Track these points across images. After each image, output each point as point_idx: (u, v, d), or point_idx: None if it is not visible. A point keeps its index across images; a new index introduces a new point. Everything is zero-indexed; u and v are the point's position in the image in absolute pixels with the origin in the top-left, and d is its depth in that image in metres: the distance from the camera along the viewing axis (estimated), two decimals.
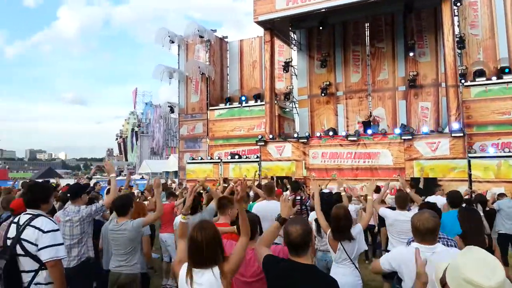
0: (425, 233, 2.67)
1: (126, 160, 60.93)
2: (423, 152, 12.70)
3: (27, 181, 9.79)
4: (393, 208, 5.13)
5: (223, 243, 2.42)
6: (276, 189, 6.20)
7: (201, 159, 17.95)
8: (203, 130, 19.41)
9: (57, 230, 2.85)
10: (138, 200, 6.70)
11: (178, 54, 20.56)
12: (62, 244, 2.85)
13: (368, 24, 17.18)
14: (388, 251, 5.04)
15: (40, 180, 5.25)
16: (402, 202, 4.97)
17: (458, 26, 14.97)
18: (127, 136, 61.64)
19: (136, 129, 56.69)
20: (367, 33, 17.30)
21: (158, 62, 20.07)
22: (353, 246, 3.75)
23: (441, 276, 1.66)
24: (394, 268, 2.77)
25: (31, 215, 2.83)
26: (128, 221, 3.92)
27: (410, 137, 12.90)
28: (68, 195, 4.65)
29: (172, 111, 20.08)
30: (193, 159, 18.15)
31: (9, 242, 2.78)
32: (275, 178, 9.69)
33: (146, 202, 7.57)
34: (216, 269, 2.28)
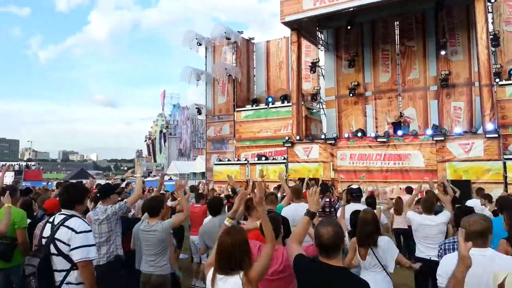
0: (474, 236, 2.57)
1: (155, 161, 62.11)
2: (456, 153, 12.27)
3: (61, 181, 10.11)
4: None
5: (250, 249, 2.38)
6: (304, 191, 6.14)
7: (228, 160, 18.05)
8: (230, 132, 19.54)
9: (90, 231, 2.90)
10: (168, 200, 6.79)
11: (206, 56, 20.81)
12: (93, 245, 2.89)
13: (397, 22, 16.80)
14: (416, 256, 4.89)
15: (74, 181, 5.40)
16: (428, 206, 4.80)
17: (492, 23, 14.44)
18: (155, 138, 62.81)
19: (164, 130, 57.62)
20: (397, 31, 16.92)
21: (185, 65, 20.50)
22: (382, 251, 3.66)
23: (501, 282, 1.61)
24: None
25: (65, 216, 2.90)
26: (158, 222, 3.98)
27: (443, 138, 12.50)
28: (98, 195, 4.78)
29: (199, 112, 20.34)
30: (220, 160, 18.29)
31: (44, 241, 2.85)
32: (306, 180, 9.57)
33: (174, 202, 7.69)
34: (241, 275, 2.25)
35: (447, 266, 2.65)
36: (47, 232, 2.87)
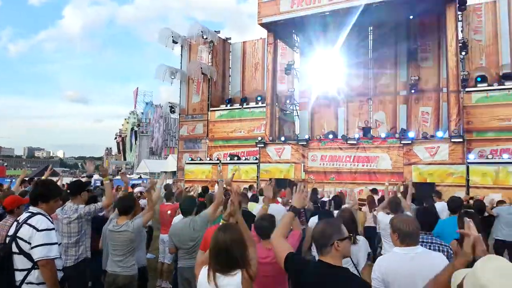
0: (413, 235, 2.76)
1: (125, 159, 60.96)
2: (422, 156, 12.69)
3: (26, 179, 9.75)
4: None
5: (246, 248, 2.36)
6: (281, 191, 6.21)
7: (200, 159, 17.94)
8: (203, 131, 19.41)
9: (52, 229, 2.82)
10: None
11: (181, 55, 20.60)
12: (55, 243, 2.80)
13: (371, 28, 17.21)
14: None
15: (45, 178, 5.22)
16: (394, 206, 4.97)
17: (462, 31, 15.00)
18: (126, 136, 61.65)
19: (135, 128, 56.69)
20: (371, 37, 17.34)
21: (160, 62, 20.13)
22: (356, 249, 3.76)
23: (460, 282, 1.65)
24: (383, 277, 2.78)
25: (30, 213, 2.82)
26: (128, 221, 3.90)
27: (410, 142, 12.90)
28: (68, 191, 4.64)
29: (172, 111, 20.08)
30: (192, 159, 18.14)
31: (8, 239, 2.78)
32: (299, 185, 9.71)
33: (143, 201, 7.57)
34: (240, 273, 2.23)
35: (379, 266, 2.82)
36: (11, 230, 2.81)
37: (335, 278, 2.24)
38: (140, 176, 32.79)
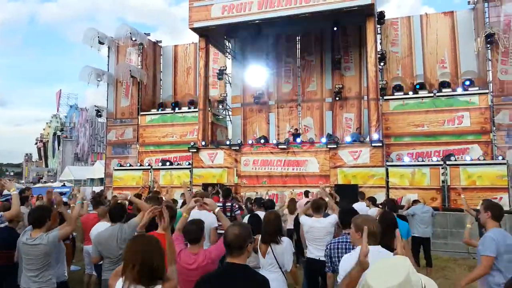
0: (376, 235, 2.89)
1: (46, 166, 56.64)
2: (346, 160, 13.43)
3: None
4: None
5: (165, 259, 2.28)
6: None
7: (130, 165, 17.31)
8: (133, 136, 18.73)
9: None
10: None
11: (108, 56, 19.72)
12: None
13: (299, 37, 17.96)
14: (307, 257, 5.28)
15: None
16: (316, 207, 5.16)
17: (381, 43, 16.17)
18: (48, 141, 57.36)
19: (58, 133, 53.00)
20: (298, 46, 18.06)
21: (87, 64, 19.07)
22: (281, 250, 3.92)
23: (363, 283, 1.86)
24: None
25: None
26: (43, 234, 3.69)
27: (335, 146, 13.59)
28: None
29: (99, 115, 19.11)
30: (121, 165, 17.44)
31: None
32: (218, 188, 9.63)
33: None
34: (161, 285, 2.16)
35: (345, 266, 2.91)
36: None
37: (242, 276, 2.46)
38: (64, 183, 30.66)
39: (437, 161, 13.19)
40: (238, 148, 14.85)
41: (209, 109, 16.76)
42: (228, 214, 7.44)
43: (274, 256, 3.87)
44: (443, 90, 14.68)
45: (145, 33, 19.24)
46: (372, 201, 8.46)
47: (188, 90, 19.75)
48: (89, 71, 17.77)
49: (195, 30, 15.71)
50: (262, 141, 15.27)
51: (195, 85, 19.18)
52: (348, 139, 14.48)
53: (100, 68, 18.82)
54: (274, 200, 10.42)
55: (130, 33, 17.96)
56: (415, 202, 8.97)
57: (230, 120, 19.30)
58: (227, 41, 18.54)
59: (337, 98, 16.87)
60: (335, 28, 15.78)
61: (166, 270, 2.29)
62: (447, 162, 12.70)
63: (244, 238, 2.53)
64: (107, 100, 19.42)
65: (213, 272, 2.74)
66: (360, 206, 8.72)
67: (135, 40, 18.36)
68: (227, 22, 15.03)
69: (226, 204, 7.64)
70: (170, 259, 2.54)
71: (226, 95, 19.19)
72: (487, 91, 13.95)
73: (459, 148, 14.03)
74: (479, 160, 12.74)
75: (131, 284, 2.12)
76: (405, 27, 16.51)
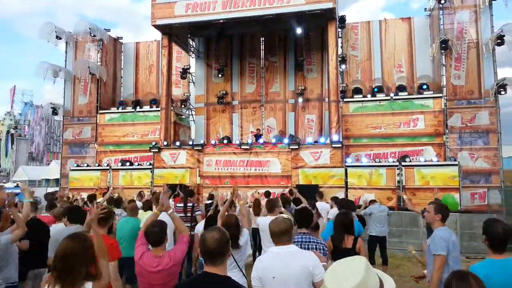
0: (280, 235, 2.98)
1: None
2: (307, 161, 13.64)
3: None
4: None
5: (96, 259, 2.26)
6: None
7: (87, 165, 16.72)
8: (91, 135, 18.08)
9: None
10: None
11: (66, 52, 18.94)
12: None
13: (263, 38, 18.07)
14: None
15: None
16: (270, 206, 5.27)
17: (341, 47, 16.54)
18: (0, 139, 54.42)
19: (12, 131, 50.37)
20: (262, 46, 18.17)
21: (43, 59, 18.26)
22: (240, 253, 3.94)
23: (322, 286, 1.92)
24: (259, 276, 2.96)
25: None
26: None
27: (297, 147, 13.77)
28: None
29: (55, 113, 18.30)
30: (77, 165, 16.81)
31: None
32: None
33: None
34: (90, 286, 2.13)
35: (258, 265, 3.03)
36: None
37: None
38: (17, 184, 29.14)
39: (393, 162, 13.67)
40: (201, 148, 14.72)
41: (172, 108, 16.51)
42: (189, 214, 7.44)
43: (234, 258, 3.87)
44: (400, 93, 15.25)
45: (105, 29, 18.65)
46: (335, 200, 8.63)
47: (150, 88, 19.35)
48: (45, 67, 17.01)
49: (157, 27, 15.41)
50: (225, 141, 15.22)
51: (158, 83, 18.80)
52: (309, 140, 14.70)
53: (57, 64, 18.08)
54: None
55: (90, 29, 17.35)
56: (372, 202, 9.22)
57: (193, 120, 19.11)
58: (191, 40, 18.36)
59: (299, 100, 17.12)
60: (298, 31, 16.03)
61: (97, 268, 2.23)
62: (402, 163, 13.19)
63: (225, 243, 2.31)
64: (64, 97, 18.63)
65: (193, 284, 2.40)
66: (321, 206, 8.93)
67: (95, 36, 17.75)
68: (190, 20, 14.87)
69: (188, 204, 7.61)
70: (100, 252, 2.48)
71: (190, 95, 18.99)
72: (441, 95, 14.62)
73: (414, 149, 14.63)
74: (432, 161, 13.32)
75: (54, 283, 2.09)
76: (365, 31, 17.01)
